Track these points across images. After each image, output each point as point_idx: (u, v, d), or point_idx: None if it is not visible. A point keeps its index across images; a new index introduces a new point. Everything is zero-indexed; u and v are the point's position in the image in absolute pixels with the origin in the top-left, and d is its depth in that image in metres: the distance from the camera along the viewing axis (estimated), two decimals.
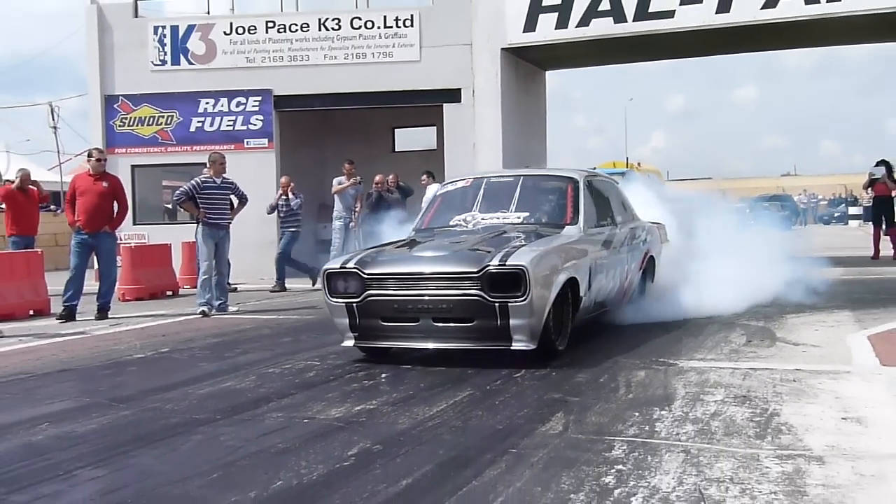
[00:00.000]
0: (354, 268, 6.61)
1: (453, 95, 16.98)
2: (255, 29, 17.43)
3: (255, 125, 17.43)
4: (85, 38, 17.96)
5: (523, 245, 6.59)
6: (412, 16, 17.15)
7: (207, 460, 4.31)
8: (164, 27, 17.62)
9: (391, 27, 17.16)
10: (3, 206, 13.23)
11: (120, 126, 17.59)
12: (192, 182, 10.82)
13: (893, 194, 16.87)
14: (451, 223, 7.90)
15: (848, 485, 3.63)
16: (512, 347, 6.26)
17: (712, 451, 4.18)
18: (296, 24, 17.38)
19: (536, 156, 17.39)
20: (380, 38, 17.22)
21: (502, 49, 16.62)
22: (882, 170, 16.91)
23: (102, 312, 10.58)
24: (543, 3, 16.16)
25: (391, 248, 7.36)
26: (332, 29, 17.28)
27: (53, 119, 35.95)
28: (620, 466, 3.96)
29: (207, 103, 17.46)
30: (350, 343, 6.85)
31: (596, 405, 5.24)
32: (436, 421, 4.89)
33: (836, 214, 47.67)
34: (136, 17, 17.89)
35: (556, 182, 8.25)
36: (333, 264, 6.91)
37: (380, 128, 20.35)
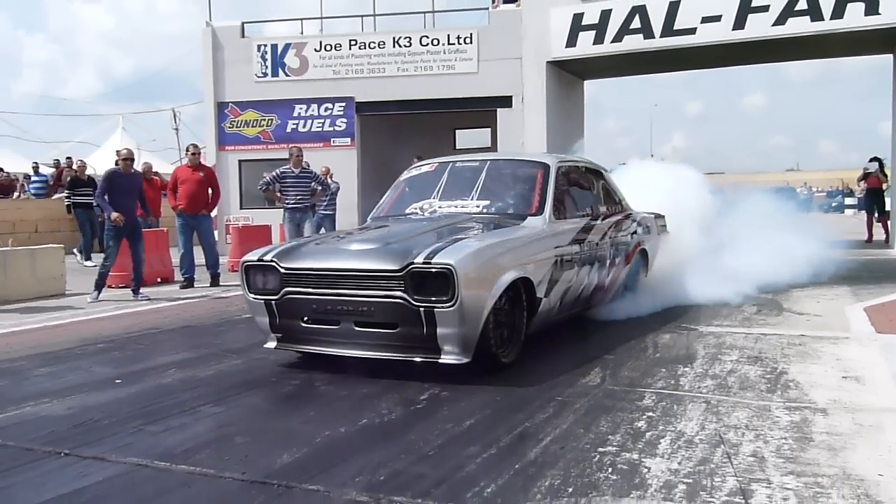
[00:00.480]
0: (271, 261, 5.03)
1: (505, 102, 16.84)
2: (340, 46, 17.47)
3: (340, 127, 17.51)
4: (201, 55, 18.19)
5: (463, 239, 4.90)
6: (471, 34, 17.02)
7: (305, 401, 4.37)
8: (265, 45, 17.74)
9: (453, 44, 17.05)
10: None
11: (229, 128, 17.83)
12: (273, 173, 10.82)
13: (884, 187, 16.38)
14: (407, 211, 6.17)
15: (849, 433, 3.54)
16: (440, 361, 4.57)
17: (729, 402, 4.11)
18: (374, 42, 17.37)
19: (575, 153, 17.22)
20: (444, 53, 17.12)
21: (547, 62, 16.41)
22: (875, 165, 16.43)
23: (214, 280, 10.72)
24: (583, 23, 15.90)
25: (322, 239, 5.78)
26: (404, 46, 17.23)
27: (175, 122, 36.48)
28: (650, 413, 3.91)
29: (301, 108, 17.58)
30: (272, 345, 5.26)
31: (628, 362, 5.19)
32: (494, 373, 4.88)
33: (833, 204, 46.35)
34: (243, 37, 18.03)
35: (525, 168, 6.33)
36: (251, 256, 5.22)
37: (443, 128, 20.27)
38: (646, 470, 3.10)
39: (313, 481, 3.02)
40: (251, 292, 5.17)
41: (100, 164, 19.55)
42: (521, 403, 4.12)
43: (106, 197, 9.12)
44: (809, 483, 2.93)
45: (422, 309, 4.49)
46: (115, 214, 8.97)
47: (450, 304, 4.41)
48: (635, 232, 7.23)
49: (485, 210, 5.87)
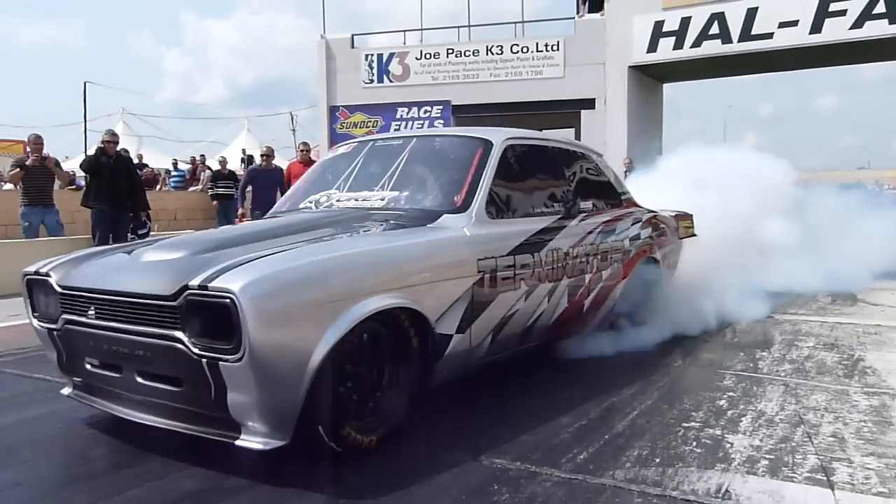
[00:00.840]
0: (46, 274, 3.26)
1: (589, 104, 16.60)
2: (439, 55, 17.56)
3: (438, 127, 17.64)
4: (316, 64, 18.61)
5: (289, 249, 2.96)
6: (558, 42, 16.82)
7: None
8: (372, 55, 18.02)
9: (542, 51, 16.90)
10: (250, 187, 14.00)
11: (340, 128, 18.19)
12: None
13: None
14: (302, 206, 4.18)
15: None
16: (237, 442, 2.69)
17: (808, 385, 3.94)
18: (469, 51, 17.39)
19: (653, 153, 16.81)
20: (532, 59, 16.99)
21: (629, 67, 16.07)
22: None
23: None
24: (664, 29, 15.49)
25: (131, 246, 3.54)
26: (496, 53, 17.18)
27: (292, 124, 37.46)
28: (731, 393, 3.79)
29: (402, 111, 17.79)
30: (67, 391, 3.41)
31: (707, 345, 5.03)
32: (581, 356, 4.80)
33: None
34: (353, 48, 18.36)
35: (459, 147, 4.17)
36: (31, 267, 3.38)
37: (530, 128, 20.08)
38: (729, 445, 3.01)
39: (422, 443, 3.06)
40: (34, 315, 3.37)
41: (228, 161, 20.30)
42: (608, 382, 4.04)
43: (249, 189, 9.50)
44: (891, 464, 2.78)
45: (204, 360, 2.63)
46: (240, 211, 9.38)
47: (235, 354, 2.54)
48: (638, 236, 5.04)
49: (392, 204, 3.79)
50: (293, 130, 36.96)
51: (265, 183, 9.49)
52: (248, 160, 22.88)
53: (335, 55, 18.24)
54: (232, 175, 15.33)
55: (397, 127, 17.76)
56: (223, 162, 16.23)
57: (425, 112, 17.62)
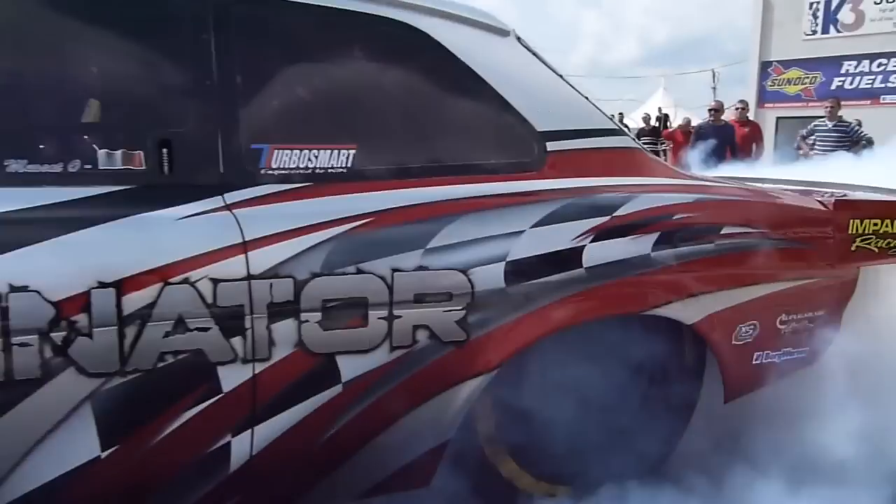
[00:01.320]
0: None
1: None
2: None
3: (893, 83, 14.62)
4: (751, 17, 16.87)
5: None
6: None
7: None
8: (818, 2, 15.60)
9: None
10: (670, 144, 13.33)
11: (770, 86, 16.30)
12: (806, 128, 9.33)
13: None
14: None
15: None
16: None
17: None
18: None
19: None
20: None
21: None
22: None
23: None
24: None
25: None
26: None
27: (713, 81, 35.44)
28: None
29: (849, 65, 15.13)
30: None
31: None
32: None
33: None
34: None
35: None
36: None
37: None
38: None
39: None
40: None
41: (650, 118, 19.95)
42: None
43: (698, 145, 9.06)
44: None
45: None
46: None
47: None
48: (565, 258, 1.74)
49: None
50: (713, 88, 34.87)
51: (715, 139, 8.87)
52: (663, 119, 22.16)
53: (773, 5, 16.23)
54: (655, 131, 14.99)
55: (840, 83, 15.18)
56: (646, 118, 15.95)
57: (879, 66, 14.71)
